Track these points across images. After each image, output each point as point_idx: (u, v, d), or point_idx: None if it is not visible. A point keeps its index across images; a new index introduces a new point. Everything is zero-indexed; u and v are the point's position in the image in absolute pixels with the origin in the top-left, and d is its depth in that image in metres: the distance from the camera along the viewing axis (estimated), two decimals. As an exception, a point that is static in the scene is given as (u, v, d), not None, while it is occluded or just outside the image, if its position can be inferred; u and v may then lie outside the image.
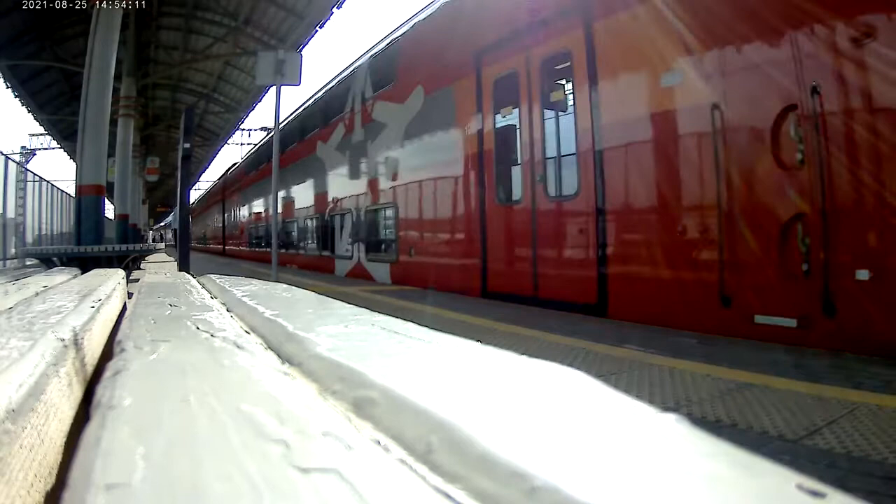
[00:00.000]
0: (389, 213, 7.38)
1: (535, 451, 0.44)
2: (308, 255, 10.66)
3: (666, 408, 1.48)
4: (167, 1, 14.81)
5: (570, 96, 4.47)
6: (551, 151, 4.66)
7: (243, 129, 33.04)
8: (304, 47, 14.34)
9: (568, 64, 4.42)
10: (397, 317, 1.17)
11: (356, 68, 8.64)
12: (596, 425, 0.52)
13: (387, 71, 7.51)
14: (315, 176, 10.28)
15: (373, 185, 7.80)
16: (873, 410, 1.86)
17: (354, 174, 8.51)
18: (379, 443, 0.52)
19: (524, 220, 4.84)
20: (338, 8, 13.05)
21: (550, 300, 4.48)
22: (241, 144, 34.00)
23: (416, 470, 0.46)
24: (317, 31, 14.04)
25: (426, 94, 6.43)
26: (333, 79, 9.93)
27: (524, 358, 0.78)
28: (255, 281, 2.44)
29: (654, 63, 3.66)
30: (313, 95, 11.09)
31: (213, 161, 38.42)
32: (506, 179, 5.20)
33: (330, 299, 1.63)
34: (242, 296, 1.67)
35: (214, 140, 27.18)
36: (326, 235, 9.67)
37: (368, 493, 0.41)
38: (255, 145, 19.10)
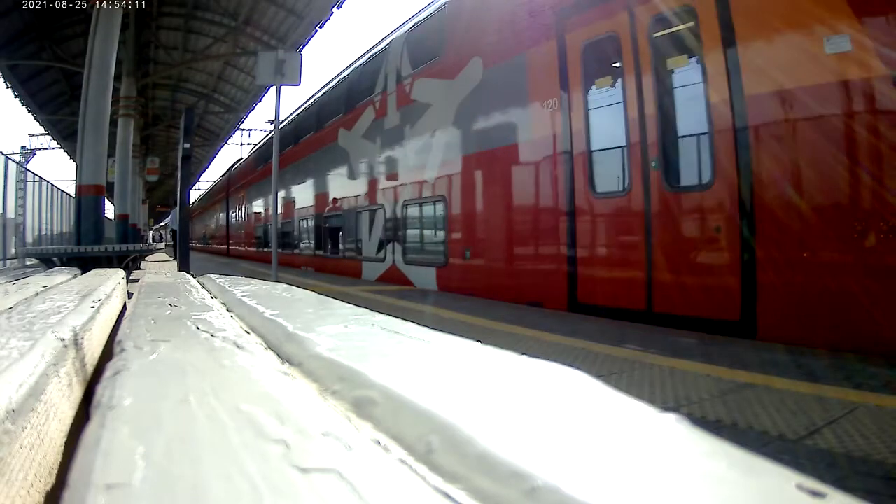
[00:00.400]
0: (436, 207, 6.37)
1: (535, 451, 0.44)
2: (327, 257, 9.54)
3: (666, 408, 1.48)
4: (167, 1, 14.83)
5: (696, 63, 3.70)
6: (671, 131, 3.80)
7: (243, 129, 33.16)
8: (304, 47, 14.38)
9: (692, 24, 3.68)
10: (397, 317, 1.17)
11: (388, 44, 7.63)
12: (596, 425, 0.52)
13: (430, 43, 6.55)
14: (335, 168, 9.15)
15: (412, 175, 6.79)
16: (873, 410, 1.86)
17: (388, 164, 7.44)
18: (379, 443, 0.52)
19: (633, 215, 4.00)
20: (338, 8, 13.09)
21: (671, 315, 3.65)
22: (242, 144, 34.11)
23: (416, 470, 0.46)
24: (317, 31, 14.08)
25: (486, 66, 5.51)
26: (357, 60, 8.98)
27: (524, 358, 0.78)
28: (255, 281, 2.44)
29: (815, 24, 3.05)
30: (332, 80, 10.06)
31: (213, 161, 38.44)
32: (604, 165, 4.32)
33: (330, 299, 1.63)
34: (242, 296, 1.67)
35: (214, 140, 27.21)
36: (350, 234, 8.59)
37: (368, 493, 0.41)
38: (263, 138, 18.27)
